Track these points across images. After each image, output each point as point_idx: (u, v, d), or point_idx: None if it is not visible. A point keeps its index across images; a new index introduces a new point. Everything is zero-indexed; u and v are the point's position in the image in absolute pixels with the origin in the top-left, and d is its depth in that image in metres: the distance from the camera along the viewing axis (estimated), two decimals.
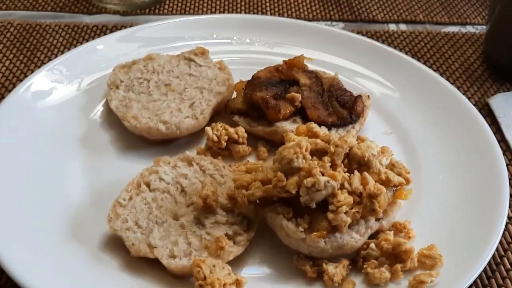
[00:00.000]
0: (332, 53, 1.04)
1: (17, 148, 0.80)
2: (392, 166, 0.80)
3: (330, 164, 0.69)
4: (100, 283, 0.65)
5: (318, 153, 0.72)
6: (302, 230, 0.67)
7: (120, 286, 0.65)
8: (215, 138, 0.82)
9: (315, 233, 0.67)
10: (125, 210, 0.71)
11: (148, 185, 0.75)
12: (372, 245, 0.69)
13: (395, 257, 0.67)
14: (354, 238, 0.68)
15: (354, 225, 0.69)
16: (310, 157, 0.70)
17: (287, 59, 0.94)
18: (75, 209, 0.75)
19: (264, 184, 0.71)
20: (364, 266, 0.67)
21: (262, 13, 1.24)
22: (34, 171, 0.78)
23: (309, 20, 1.23)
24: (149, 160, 0.81)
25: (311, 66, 0.96)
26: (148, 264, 0.67)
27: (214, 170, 0.78)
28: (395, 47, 1.15)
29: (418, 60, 1.11)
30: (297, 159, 0.68)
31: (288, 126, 0.84)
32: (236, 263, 0.68)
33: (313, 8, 1.27)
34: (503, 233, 0.77)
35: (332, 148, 0.70)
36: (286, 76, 0.91)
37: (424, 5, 1.31)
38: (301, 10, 1.26)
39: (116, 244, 0.69)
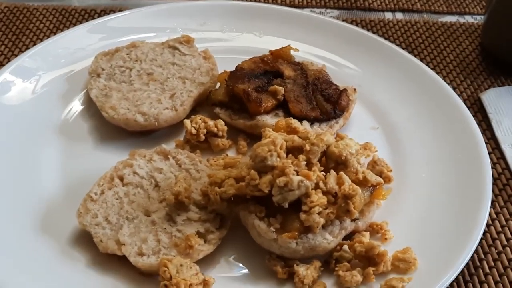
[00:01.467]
0: (321, 43, 1.02)
1: None
2: (374, 163, 0.78)
3: (305, 162, 0.68)
4: (67, 279, 0.64)
5: (295, 150, 0.70)
6: (274, 230, 0.66)
7: (87, 282, 0.65)
8: (194, 131, 0.81)
9: (286, 233, 0.65)
10: (96, 205, 0.70)
11: (121, 179, 0.73)
12: (345, 247, 0.67)
13: (368, 260, 0.66)
14: (327, 240, 0.66)
15: (328, 226, 0.67)
16: (284, 156, 0.68)
17: (273, 49, 0.92)
18: (48, 200, 0.74)
19: (238, 181, 0.69)
20: (336, 268, 0.66)
21: (256, 0, 1.21)
22: (9, 159, 0.77)
23: (303, 6, 1.21)
24: (126, 152, 0.79)
25: (300, 56, 0.94)
26: (117, 261, 0.66)
27: (190, 164, 0.76)
28: (389, 37, 1.12)
29: (412, 51, 1.09)
30: (271, 157, 0.67)
31: (269, 120, 0.82)
32: (206, 262, 0.67)
33: None
34: (484, 235, 0.75)
35: (307, 147, 0.68)
36: (271, 67, 0.89)
37: None
38: None
39: (86, 239, 0.68)
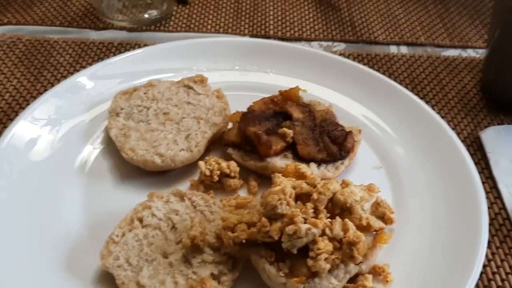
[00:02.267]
0: (328, 81, 1.07)
1: (16, 175, 0.84)
2: (377, 205, 0.83)
3: (313, 210, 0.73)
4: None
5: (303, 196, 0.75)
6: (283, 274, 0.71)
7: None
8: (208, 173, 0.86)
9: (295, 278, 0.70)
10: (118, 247, 0.75)
11: (141, 220, 0.79)
12: None
13: None
14: (332, 284, 0.71)
15: (334, 270, 0.72)
16: (293, 203, 0.73)
17: (283, 89, 0.97)
18: (72, 240, 0.79)
19: (249, 226, 0.74)
20: None
21: (265, 32, 1.26)
22: (32, 198, 0.82)
23: (310, 40, 1.25)
24: (144, 191, 0.85)
25: (308, 94, 0.99)
26: None
27: (205, 206, 0.81)
28: (394, 72, 1.17)
29: (415, 86, 1.14)
30: (280, 206, 0.72)
31: (278, 162, 0.87)
32: None
33: (316, 27, 1.29)
34: (480, 276, 0.80)
35: (315, 195, 0.73)
36: (280, 108, 0.94)
37: (426, 26, 1.32)
38: (304, 30, 1.28)
39: (109, 280, 0.74)
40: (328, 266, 0.70)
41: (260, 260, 0.73)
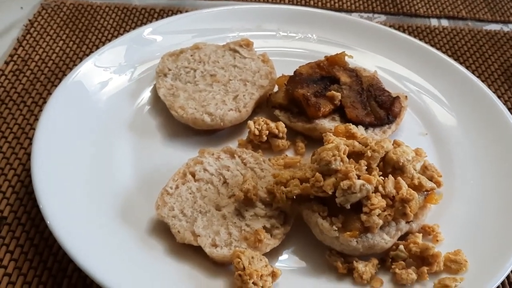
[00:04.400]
0: (373, 50, 1.07)
1: (70, 133, 0.85)
2: (425, 168, 0.83)
3: (366, 167, 0.73)
4: (147, 265, 0.71)
5: (354, 155, 0.76)
6: (336, 229, 0.72)
7: (165, 268, 0.71)
8: (257, 132, 0.86)
9: (348, 232, 0.71)
10: (172, 199, 0.76)
11: (193, 175, 0.80)
12: (401, 247, 0.73)
13: (422, 259, 0.71)
14: (385, 240, 0.72)
15: (385, 227, 0.73)
16: (347, 160, 0.73)
17: (328, 55, 0.98)
18: (125, 193, 0.80)
19: (302, 182, 0.75)
20: (393, 266, 0.71)
21: (305, 2, 1.26)
22: (87, 156, 0.83)
23: (351, 11, 1.25)
24: (193, 148, 0.86)
25: (351, 61, 0.99)
26: (192, 251, 0.73)
27: (255, 163, 0.82)
28: (436, 44, 1.17)
29: (458, 58, 1.13)
30: (335, 162, 0.72)
31: (326, 124, 0.88)
32: (271, 255, 0.73)
33: None
34: None
35: (369, 153, 0.73)
36: (327, 73, 0.94)
37: (467, 0, 1.31)
38: (344, 0, 1.28)
39: (162, 229, 0.75)
40: (380, 222, 0.71)
41: (312, 215, 0.74)
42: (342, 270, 0.72)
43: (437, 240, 0.76)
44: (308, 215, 0.74)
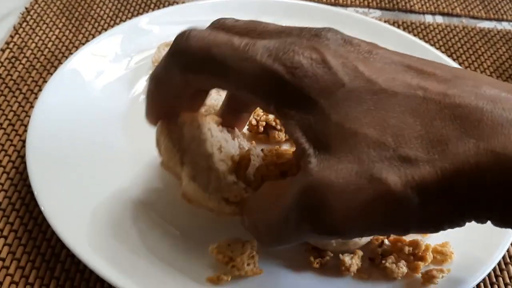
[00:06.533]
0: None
1: (64, 121, 0.85)
2: None
3: None
4: (142, 252, 0.72)
5: None
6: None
7: (159, 257, 0.72)
8: (254, 122, 0.87)
9: None
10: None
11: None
12: (386, 241, 0.74)
13: (412, 254, 0.72)
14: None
15: None
16: None
17: None
18: (120, 180, 0.80)
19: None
20: (383, 261, 0.72)
21: None
22: (82, 143, 0.83)
23: (346, 5, 1.26)
24: None
25: None
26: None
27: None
28: (430, 40, 1.18)
29: (451, 55, 1.15)
30: None
31: None
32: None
33: None
34: None
35: None
36: None
37: None
38: None
39: (158, 216, 0.76)
40: None
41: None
42: (315, 265, 0.71)
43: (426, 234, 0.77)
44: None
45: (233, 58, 0.53)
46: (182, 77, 0.58)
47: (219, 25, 0.60)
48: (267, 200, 0.60)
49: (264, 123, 0.88)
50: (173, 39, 0.61)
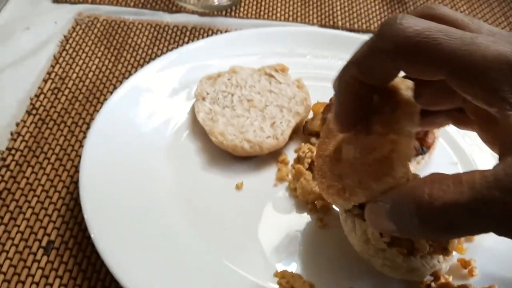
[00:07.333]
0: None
1: (114, 161, 0.87)
2: None
3: None
4: None
5: None
6: (386, 241, 0.71)
7: None
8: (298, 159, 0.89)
9: (397, 247, 0.71)
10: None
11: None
12: (433, 284, 0.75)
13: None
14: (425, 266, 0.73)
15: (424, 257, 0.75)
16: None
17: None
18: (168, 220, 0.82)
19: None
20: None
21: (334, 22, 1.28)
22: (132, 182, 0.85)
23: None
24: (232, 173, 0.89)
25: None
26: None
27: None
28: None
29: None
30: None
31: None
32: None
33: (383, 20, 1.30)
34: None
35: None
36: None
37: (492, 24, 1.33)
38: (371, 22, 1.30)
39: (207, 252, 0.77)
40: (427, 247, 0.71)
41: (362, 222, 0.72)
42: None
43: (472, 275, 0.78)
44: (355, 221, 0.73)
45: (460, 46, 0.51)
46: (391, 64, 0.55)
47: (428, 13, 0.59)
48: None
49: (309, 160, 0.89)
50: (380, 25, 0.57)
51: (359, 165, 0.64)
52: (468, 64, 0.51)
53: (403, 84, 0.64)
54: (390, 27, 0.55)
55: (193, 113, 0.97)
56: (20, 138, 0.94)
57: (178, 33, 1.20)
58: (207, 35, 1.20)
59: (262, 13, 1.29)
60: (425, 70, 0.55)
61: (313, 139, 0.94)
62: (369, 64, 0.58)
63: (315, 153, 0.89)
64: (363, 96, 0.63)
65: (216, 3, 1.27)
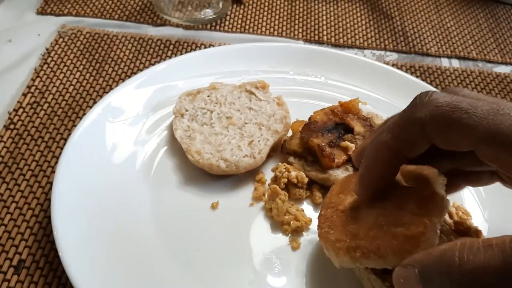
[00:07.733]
0: (384, 92, 1.08)
1: (88, 175, 0.86)
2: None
3: None
4: None
5: None
6: (388, 285, 0.70)
7: None
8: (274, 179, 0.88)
9: None
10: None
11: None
12: None
13: None
14: None
15: None
16: None
17: (342, 101, 0.99)
18: (144, 240, 0.81)
19: None
20: None
21: (319, 37, 1.28)
22: (106, 200, 0.84)
23: (363, 48, 1.27)
24: (207, 192, 0.88)
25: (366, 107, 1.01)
26: None
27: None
28: (446, 86, 1.18)
29: None
30: None
31: (340, 174, 0.89)
32: None
33: (369, 35, 1.30)
34: None
35: None
36: (340, 119, 0.96)
37: (478, 40, 1.33)
38: (357, 37, 1.29)
39: (186, 274, 0.77)
40: None
41: (365, 270, 0.72)
42: None
43: None
44: (361, 271, 0.74)
45: (487, 115, 0.54)
46: (423, 132, 0.59)
47: (454, 92, 0.62)
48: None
49: (285, 180, 0.88)
50: (413, 98, 0.61)
51: (382, 232, 0.64)
52: (496, 131, 0.53)
53: (439, 178, 0.65)
54: (423, 99, 0.59)
55: (171, 130, 0.96)
56: None
57: (162, 46, 1.20)
58: (191, 49, 1.19)
59: (247, 27, 1.29)
60: (454, 138, 0.57)
61: (291, 158, 0.93)
62: (402, 131, 0.61)
63: (292, 173, 0.89)
64: (391, 165, 0.64)
65: (202, 16, 1.27)
